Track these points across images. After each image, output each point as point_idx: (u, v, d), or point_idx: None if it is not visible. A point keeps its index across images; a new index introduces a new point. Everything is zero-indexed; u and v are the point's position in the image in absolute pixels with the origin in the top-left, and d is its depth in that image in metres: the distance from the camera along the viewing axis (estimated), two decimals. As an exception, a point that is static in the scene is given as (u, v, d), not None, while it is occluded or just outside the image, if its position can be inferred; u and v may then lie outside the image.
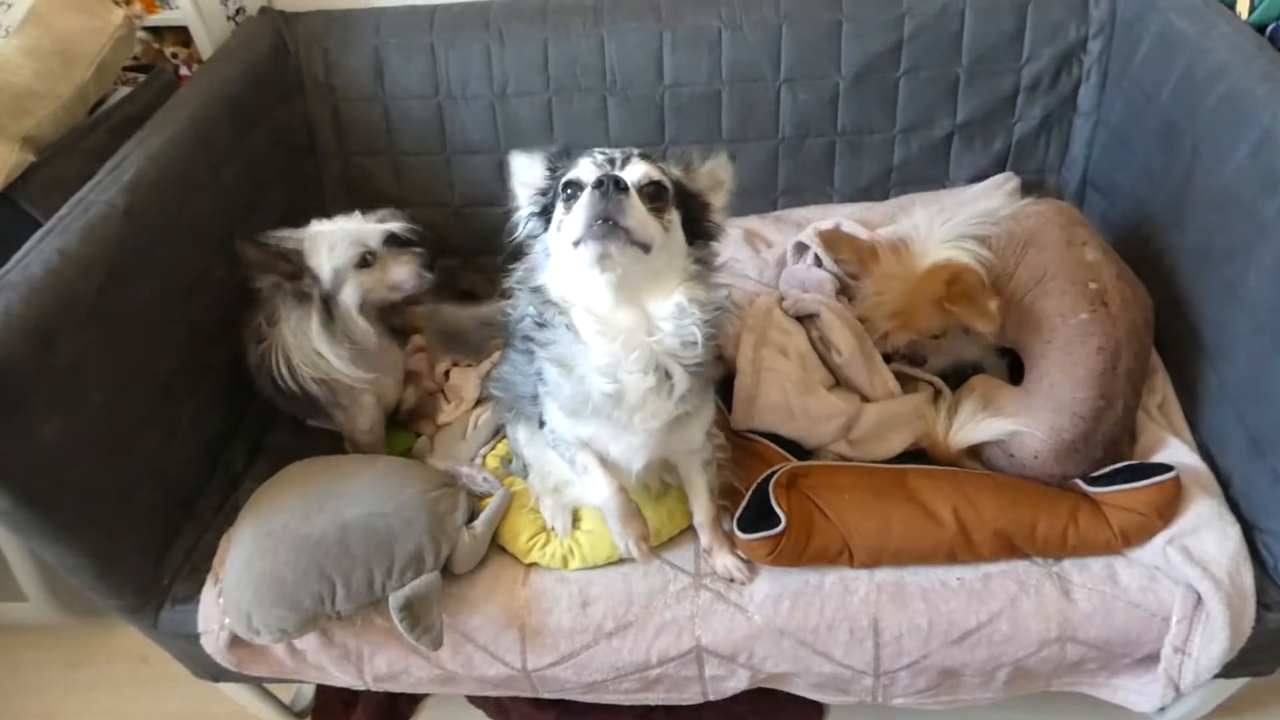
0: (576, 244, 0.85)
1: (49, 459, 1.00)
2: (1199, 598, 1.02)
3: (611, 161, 0.90)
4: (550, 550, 1.16)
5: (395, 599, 1.07)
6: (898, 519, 1.08)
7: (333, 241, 1.20)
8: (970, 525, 1.07)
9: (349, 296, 1.21)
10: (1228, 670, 1.06)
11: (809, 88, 1.50)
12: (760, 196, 1.59)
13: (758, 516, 1.07)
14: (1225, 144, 1.14)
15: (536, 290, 0.94)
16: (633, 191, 0.84)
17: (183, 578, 1.19)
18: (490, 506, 1.18)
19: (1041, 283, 1.16)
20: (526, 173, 0.99)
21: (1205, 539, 1.05)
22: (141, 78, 1.45)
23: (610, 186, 0.82)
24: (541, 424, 1.07)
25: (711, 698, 1.16)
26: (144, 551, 1.16)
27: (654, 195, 0.88)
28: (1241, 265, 1.10)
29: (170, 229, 1.20)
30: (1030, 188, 1.54)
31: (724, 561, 1.11)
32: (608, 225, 0.82)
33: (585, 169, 0.89)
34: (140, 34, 1.53)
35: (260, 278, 1.19)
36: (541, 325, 0.94)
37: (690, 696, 1.17)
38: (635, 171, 0.88)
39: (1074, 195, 1.57)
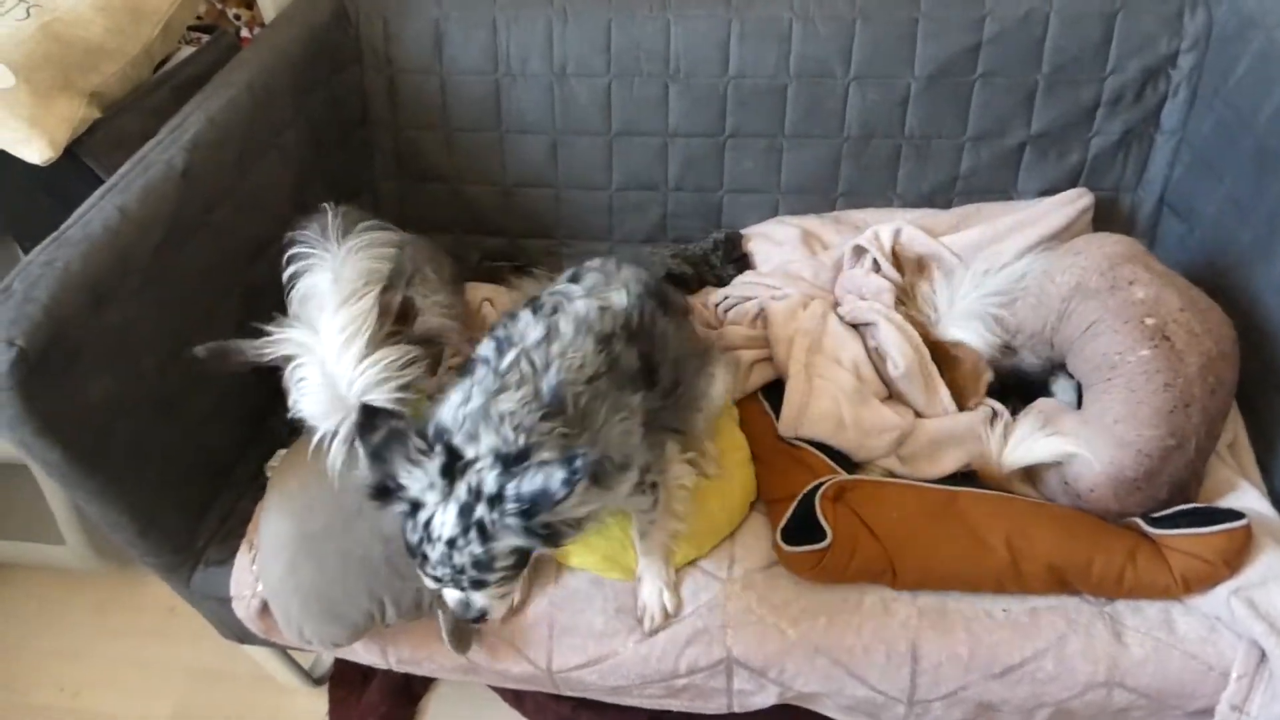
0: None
1: (97, 416, 1.00)
2: (1263, 654, 0.97)
3: (438, 580, 0.84)
4: (580, 559, 1.13)
5: (446, 621, 1.07)
6: (946, 543, 1.04)
7: (306, 390, 0.99)
8: (1022, 556, 1.03)
9: None
10: (1285, 729, 1.02)
11: (879, 87, 1.45)
12: (819, 196, 1.54)
13: (802, 529, 1.04)
14: (1329, 176, 1.08)
15: None
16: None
17: (217, 542, 1.20)
18: None
19: (1091, 329, 1.12)
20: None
21: (1274, 593, 0.99)
22: (205, 38, 1.44)
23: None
24: None
25: (736, 710, 1.14)
26: (183, 513, 1.17)
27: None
28: (1332, 305, 1.04)
29: (228, 192, 1.19)
30: (1103, 205, 1.48)
31: (646, 592, 1.08)
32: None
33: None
34: (205, -6, 1.53)
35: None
36: None
37: (714, 708, 1.15)
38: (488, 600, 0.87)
39: (1148, 217, 1.50)
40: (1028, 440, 1.12)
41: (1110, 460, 1.06)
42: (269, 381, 1.27)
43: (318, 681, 1.53)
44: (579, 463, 0.75)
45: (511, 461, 0.80)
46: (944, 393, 1.24)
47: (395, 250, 1.08)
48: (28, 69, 1.12)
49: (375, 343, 0.95)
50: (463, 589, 0.84)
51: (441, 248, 1.39)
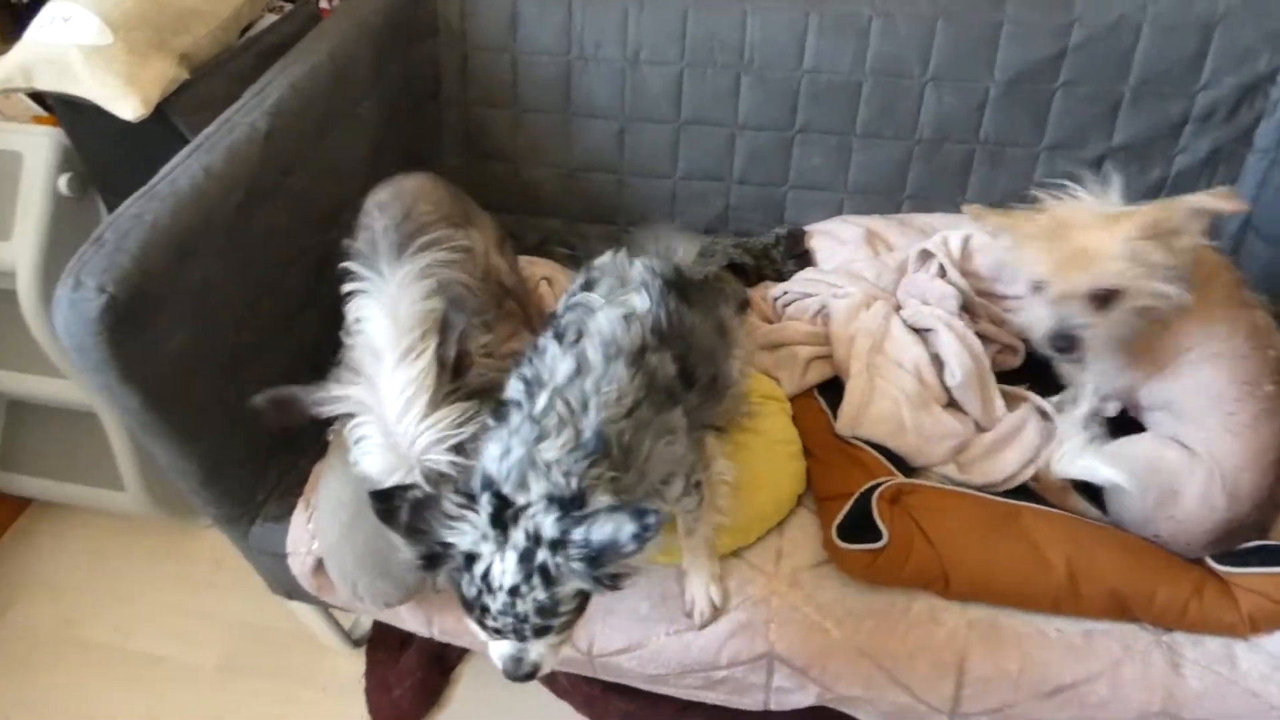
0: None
1: (175, 367, 1.04)
2: (1330, 699, 0.94)
3: (499, 633, 0.80)
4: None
5: None
6: (1005, 557, 1.02)
7: (365, 449, 0.97)
8: (1083, 578, 1.00)
9: None
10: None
11: (956, 89, 1.42)
12: (886, 197, 1.52)
13: (856, 528, 1.04)
14: None
15: None
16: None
17: (276, 498, 1.23)
18: None
19: (1209, 340, 1.04)
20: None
21: (1345, 636, 0.96)
22: (288, 7, 1.47)
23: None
24: None
25: (772, 708, 1.14)
26: (246, 467, 1.20)
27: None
28: None
29: (305, 157, 1.22)
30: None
31: (694, 586, 1.07)
32: None
33: (493, 647, 0.83)
34: (287, -36, 1.56)
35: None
36: None
37: (750, 703, 1.15)
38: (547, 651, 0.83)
39: (1231, 240, 1.44)
40: (1076, 453, 1.09)
41: (1227, 516, 1.00)
42: (337, 345, 1.31)
43: (356, 643, 1.57)
44: (651, 520, 0.73)
45: (568, 505, 0.77)
46: (999, 404, 1.22)
47: (445, 297, 1.05)
48: (125, 28, 1.16)
49: (435, 403, 0.94)
50: (524, 638, 0.80)
51: (503, 228, 1.39)
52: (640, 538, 0.73)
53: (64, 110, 1.29)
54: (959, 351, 1.22)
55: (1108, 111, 1.41)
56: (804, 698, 1.10)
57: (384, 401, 0.95)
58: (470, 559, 0.77)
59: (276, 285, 1.18)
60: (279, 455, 1.25)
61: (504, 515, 0.77)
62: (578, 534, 0.75)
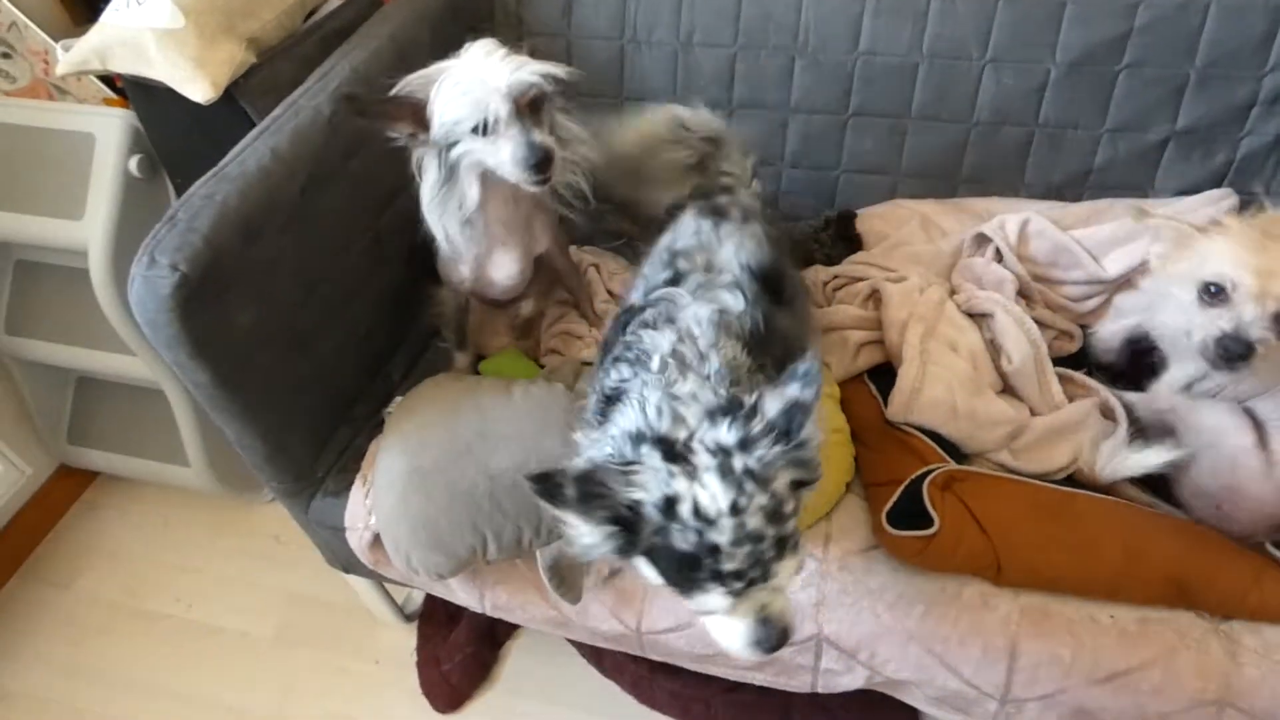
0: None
1: (242, 345, 1.07)
2: (1394, 691, 0.92)
3: (740, 578, 0.71)
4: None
5: (544, 557, 1.10)
6: (1059, 544, 1.01)
7: (452, 95, 1.02)
8: (1139, 565, 0.99)
9: (460, 160, 1.07)
10: (1406, 771, 0.97)
11: (1016, 71, 1.39)
12: (941, 181, 1.50)
13: (907, 514, 1.04)
14: None
15: None
16: None
17: (335, 473, 1.26)
18: None
19: None
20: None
21: None
22: (350, -7, 1.49)
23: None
24: None
25: (820, 691, 1.15)
26: (307, 442, 1.24)
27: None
28: None
29: (367, 141, 1.23)
30: (1246, 209, 1.39)
31: None
32: None
33: (733, 631, 0.75)
34: (351, -51, 1.58)
35: (390, 128, 1.06)
36: None
37: (797, 685, 1.16)
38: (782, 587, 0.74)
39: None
40: (1117, 460, 1.08)
41: None
42: (389, 328, 1.34)
43: (409, 618, 1.61)
44: (808, 364, 0.70)
45: (730, 410, 0.73)
46: (1057, 390, 1.21)
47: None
48: (196, 12, 1.19)
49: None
50: (767, 569, 0.71)
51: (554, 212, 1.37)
52: (810, 382, 0.70)
53: (135, 93, 1.34)
54: (1017, 336, 1.21)
55: (1172, 94, 1.37)
56: (852, 680, 1.11)
57: (468, 59, 1.03)
58: (670, 503, 0.70)
59: (334, 267, 1.22)
60: (338, 431, 1.29)
61: (675, 450, 0.72)
62: (756, 424, 0.71)
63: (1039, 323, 1.27)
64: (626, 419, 0.78)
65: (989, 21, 1.37)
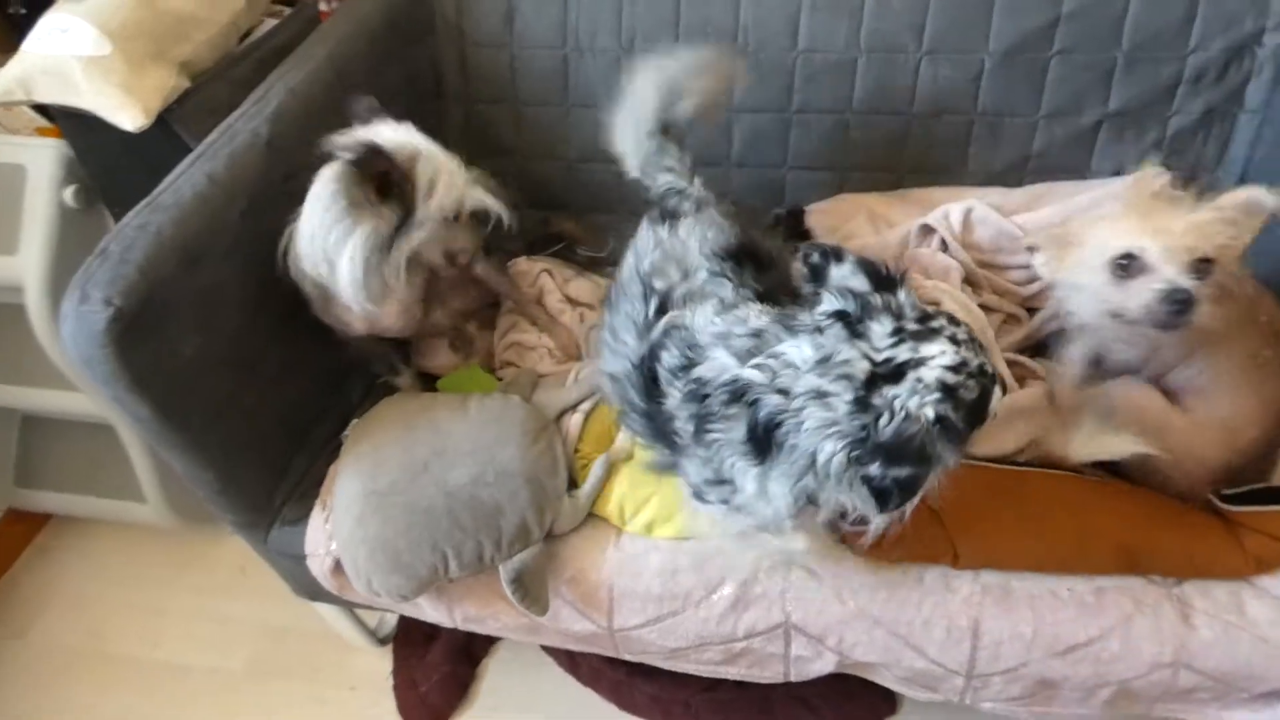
0: None
1: (186, 375, 1.05)
2: (1337, 640, 0.96)
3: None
4: (640, 518, 1.15)
5: (506, 571, 1.10)
6: (1012, 525, 1.04)
7: (442, 179, 1.07)
8: (1090, 537, 1.02)
9: (416, 238, 1.08)
10: (1357, 717, 1.00)
11: (952, 63, 1.42)
12: (886, 174, 1.52)
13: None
14: None
15: None
16: None
17: (293, 501, 1.24)
18: (593, 476, 1.18)
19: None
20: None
21: (1351, 577, 0.98)
22: (287, 11, 1.48)
23: None
24: None
25: (793, 678, 1.16)
26: (261, 472, 1.22)
27: None
28: None
29: (307, 162, 1.22)
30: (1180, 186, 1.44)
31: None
32: None
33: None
34: (285, -33, 1.56)
35: (352, 158, 1.02)
36: None
37: (771, 675, 1.17)
38: None
39: (1228, 199, 1.46)
40: (1094, 442, 1.10)
41: (1225, 464, 1.04)
42: (342, 348, 1.32)
43: (382, 641, 1.59)
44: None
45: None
46: (1005, 372, 1.23)
47: None
48: (123, 37, 1.17)
49: None
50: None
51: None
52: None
53: (66, 122, 1.31)
54: (966, 322, 1.23)
55: (1103, 77, 1.41)
56: (823, 665, 1.12)
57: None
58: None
59: (280, 289, 1.19)
60: (295, 458, 1.27)
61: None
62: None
63: (987, 308, 1.30)
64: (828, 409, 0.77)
65: (923, 14, 1.40)
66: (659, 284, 0.99)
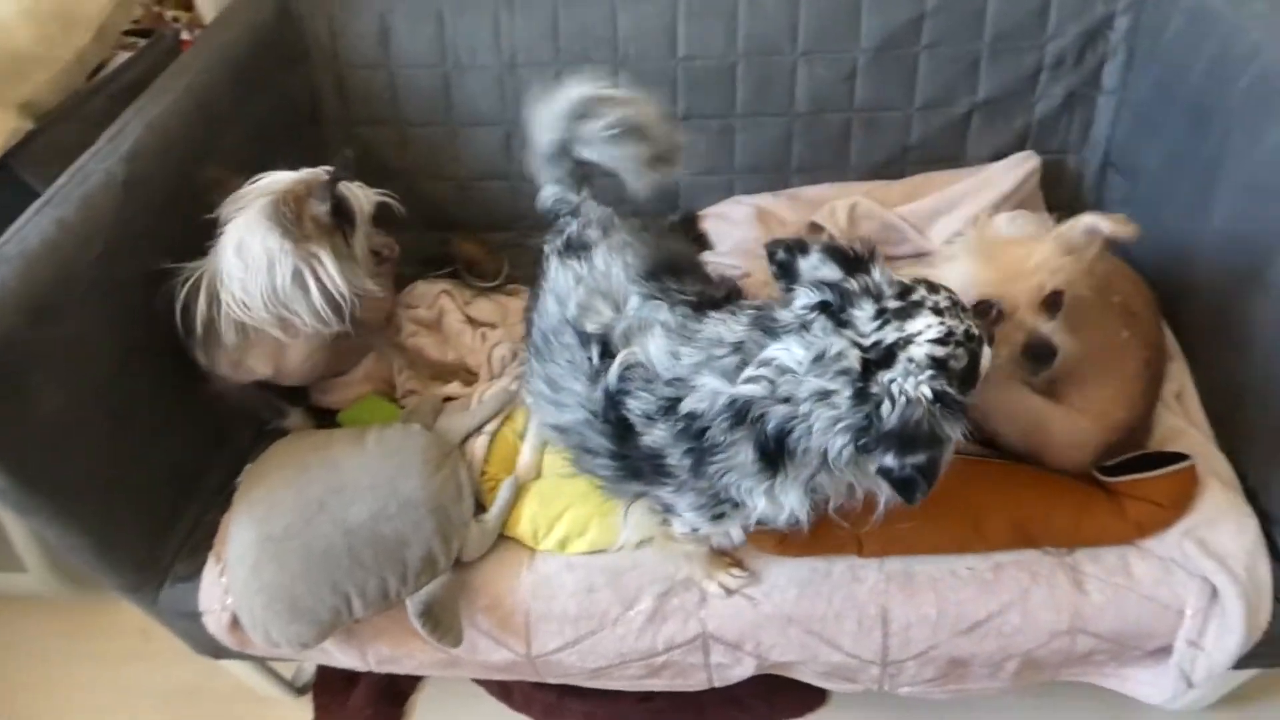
0: None
1: (50, 436, 0.99)
2: (1214, 591, 1.01)
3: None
4: (554, 535, 1.14)
5: (414, 605, 1.06)
6: (909, 511, 1.05)
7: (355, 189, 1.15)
8: (982, 514, 1.05)
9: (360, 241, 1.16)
10: (1239, 662, 1.05)
11: (827, 62, 1.46)
12: (774, 173, 1.55)
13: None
14: (1258, 127, 1.11)
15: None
16: None
17: (184, 556, 1.18)
18: (500, 499, 1.16)
19: (1074, 310, 1.07)
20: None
21: (1222, 532, 1.03)
22: (142, 42, 1.41)
23: None
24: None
25: (717, 684, 1.16)
26: (145, 529, 1.15)
27: None
28: (1267, 254, 1.07)
29: (171, 202, 1.17)
30: (1050, 167, 1.50)
31: (722, 579, 1.08)
32: None
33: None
34: (140, -2, 1.49)
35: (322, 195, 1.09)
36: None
37: (695, 684, 1.17)
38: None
39: (1094, 176, 1.53)
40: None
41: (1102, 443, 1.07)
42: (222, 397, 1.25)
43: (301, 691, 1.52)
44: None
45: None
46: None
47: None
48: (-47, 82, 1.10)
49: None
50: None
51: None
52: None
53: (-100, 175, 1.21)
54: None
55: (970, 68, 1.47)
56: (743, 670, 1.13)
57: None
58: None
59: (151, 332, 1.13)
60: (183, 511, 1.20)
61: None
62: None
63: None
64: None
65: (795, 17, 1.43)
66: (592, 327, 0.93)
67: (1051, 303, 0.99)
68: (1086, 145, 1.52)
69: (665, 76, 1.48)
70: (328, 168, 1.14)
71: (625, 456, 0.90)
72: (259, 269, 1.05)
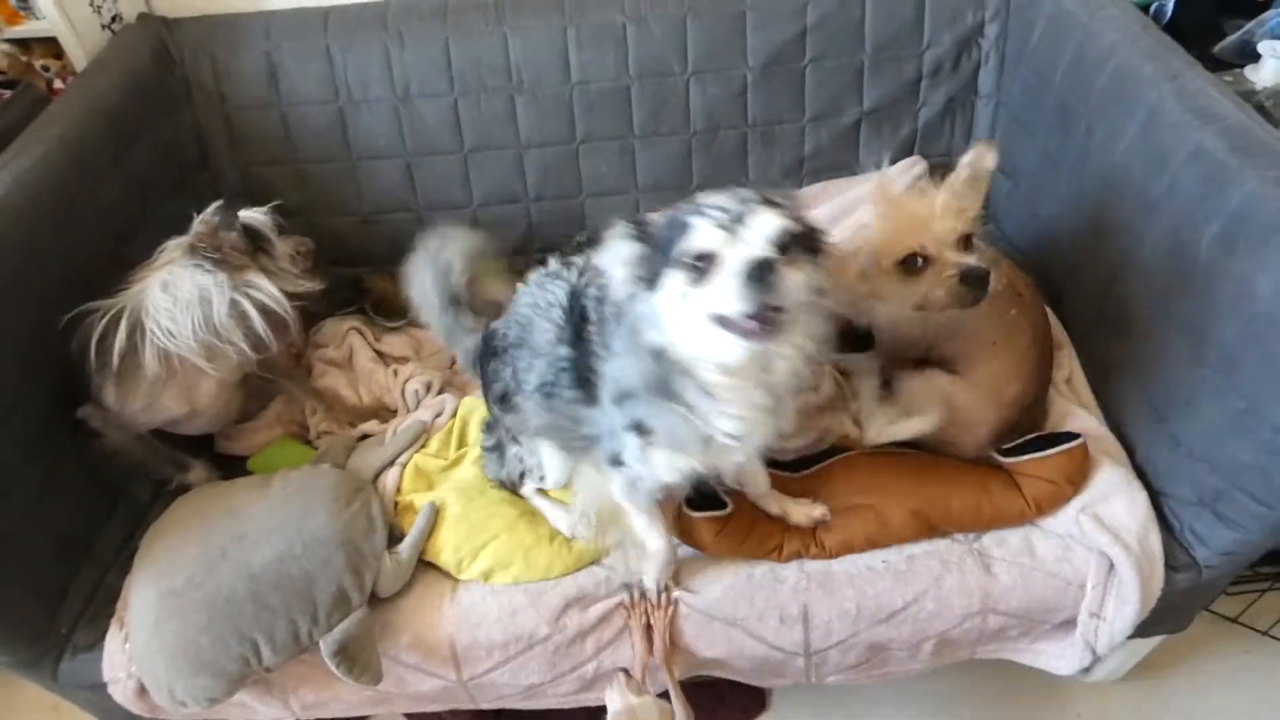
0: (721, 324, 0.78)
1: (-85, 510, 0.93)
2: (1111, 564, 1.06)
3: (732, 216, 0.77)
4: (477, 565, 1.13)
5: (328, 644, 1.03)
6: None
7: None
8: (886, 509, 1.09)
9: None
10: (1142, 630, 1.11)
11: (717, 80, 1.50)
12: (676, 191, 1.57)
13: (703, 499, 1.09)
14: (1116, 123, 1.18)
15: (658, 354, 0.85)
16: (780, 267, 0.75)
17: (84, 625, 1.13)
18: (415, 528, 1.14)
19: None
20: (624, 252, 0.84)
21: (1115, 506, 1.08)
22: (8, 94, 1.35)
23: (762, 273, 0.74)
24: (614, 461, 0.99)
25: (651, 691, 1.15)
26: (37, 599, 1.09)
27: (786, 247, 0.77)
28: (1135, 240, 1.14)
29: (44, 258, 1.12)
30: (937, 170, 1.57)
31: (802, 511, 1.11)
32: (762, 313, 0.75)
33: (709, 235, 0.77)
34: (4, 47, 1.43)
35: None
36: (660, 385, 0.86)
37: (629, 693, 1.16)
38: (768, 228, 0.77)
39: (980, 177, 1.60)
40: (890, 428, 1.17)
41: (1000, 419, 1.13)
42: (113, 457, 1.19)
43: (227, 754, 1.46)
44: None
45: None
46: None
47: None
48: None
49: None
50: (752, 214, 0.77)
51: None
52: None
53: None
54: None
55: (854, 80, 1.52)
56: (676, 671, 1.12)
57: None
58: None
59: (27, 395, 1.08)
60: (79, 575, 1.15)
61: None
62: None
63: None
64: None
65: (682, 37, 1.47)
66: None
67: (966, 242, 1.04)
68: (970, 148, 1.59)
69: (561, 101, 1.49)
70: (216, 204, 1.20)
71: (577, 365, 0.97)
72: (190, 303, 1.11)
